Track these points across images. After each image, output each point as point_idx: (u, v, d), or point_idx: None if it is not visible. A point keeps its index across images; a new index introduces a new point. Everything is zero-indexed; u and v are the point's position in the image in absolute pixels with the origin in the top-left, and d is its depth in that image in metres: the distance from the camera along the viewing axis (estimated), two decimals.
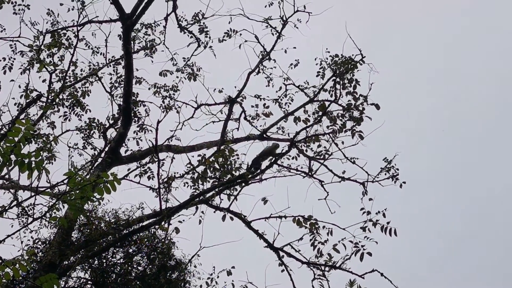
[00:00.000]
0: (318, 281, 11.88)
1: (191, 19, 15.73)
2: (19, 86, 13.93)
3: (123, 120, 13.62)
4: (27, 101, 13.62)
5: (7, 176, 13.82)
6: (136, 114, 15.37)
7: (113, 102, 15.52)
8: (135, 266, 12.58)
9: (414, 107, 29.02)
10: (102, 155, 14.37)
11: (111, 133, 14.98)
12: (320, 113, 12.82)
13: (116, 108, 15.42)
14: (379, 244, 11.30)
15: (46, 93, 14.31)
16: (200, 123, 15.05)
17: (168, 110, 15.61)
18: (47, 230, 13.30)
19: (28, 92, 14.03)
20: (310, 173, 12.82)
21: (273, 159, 12.46)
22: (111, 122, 15.26)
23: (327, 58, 13.65)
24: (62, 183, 7.85)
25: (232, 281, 12.38)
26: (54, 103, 14.83)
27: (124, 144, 14.33)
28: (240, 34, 15.26)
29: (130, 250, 12.65)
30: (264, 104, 15.05)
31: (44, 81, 14.51)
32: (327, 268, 11.79)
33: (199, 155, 12.25)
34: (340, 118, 12.76)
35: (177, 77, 16.08)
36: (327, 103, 13.13)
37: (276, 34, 15.26)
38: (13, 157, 6.00)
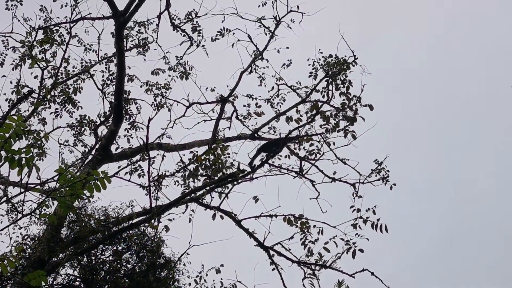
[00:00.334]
0: (309, 280, 11.92)
1: (184, 18, 15.72)
2: (11, 82, 13.88)
3: (114, 118, 13.60)
4: (18, 97, 13.60)
5: None
6: (127, 111, 15.35)
7: (104, 99, 15.54)
8: (124, 263, 12.56)
9: (407, 107, 29.13)
10: (93, 152, 14.34)
11: (102, 130, 14.99)
12: (313, 113, 12.85)
13: (107, 105, 15.45)
14: (370, 244, 11.35)
15: (38, 89, 14.28)
16: (192, 122, 14.99)
17: (159, 108, 15.61)
18: (36, 226, 13.26)
19: (20, 88, 13.99)
20: (301, 173, 12.84)
21: (264, 159, 12.44)
22: (102, 119, 15.25)
23: (319, 59, 13.69)
24: (52, 180, 7.85)
25: (221, 279, 12.43)
26: (45, 99, 14.80)
27: (115, 142, 14.30)
28: (233, 34, 15.26)
29: (119, 248, 12.62)
30: (257, 103, 15.05)
31: (36, 77, 14.48)
32: (317, 267, 11.84)
33: (191, 152, 12.27)
34: (334, 117, 12.80)
35: (169, 75, 16.10)
36: (319, 104, 13.17)
37: (269, 34, 15.27)
38: (3, 153, 6.00)
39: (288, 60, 14.94)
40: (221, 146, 11.78)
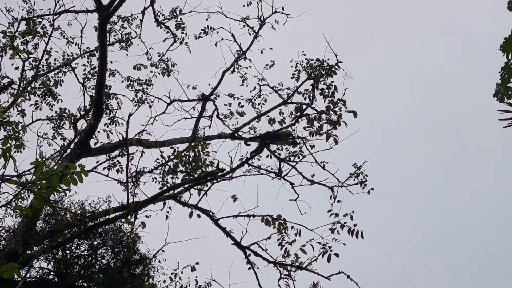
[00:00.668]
0: (284, 281, 11.94)
1: (168, 14, 15.71)
2: None
3: (94, 112, 13.55)
4: None
5: None
6: (107, 106, 15.30)
7: (85, 93, 15.47)
8: (99, 259, 12.49)
9: (391, 110, 29.28)
10: (72, 146, 14.25)
11: (82, 124, 14.91)
12: (297, 115, 12.90)
13: (88, 99, 15.39)
14: (347, 247, 11.40)
15: (18, 81, 14.19)
16: (172, 119, 14.97)
17: (140, 104, 15.58)
18: (12, 218, 13.17)
19: (0, 78, 13.91)
20: (279, 175, 12.86)
21: (250, 157, 12.41)
22: (82, 113, 15.19)
23: (302, 61, 13.75)
24: (28, 172, 7.79)
25: (196, 277, 12.41)
26: (25, 91, 14.71)
27: (94, 136, 14.24)
28: (217, 32, 15.24)
29: (95, 243, 12.55)
30: (239, 103, 15.04)
31: (16, 68, 14.40)
32: (293, 268, 11.86)
33: (171, 148, 12.25)
34: (318, 120, 12.86)
35: (151, 71, 16.07)
36: (303, 106, 13.23)
37: (253, 34, 15.27)
38: None
39: (271, 61, 14.95)
40: (202, 143, 11.76)
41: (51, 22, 14.94)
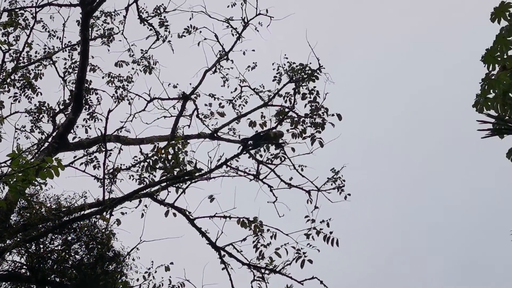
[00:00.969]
0: (257, 283, 11.94)
1: (152, 12, 15.68)
2: None
3: (73, 107, 13.47)
4: None
5: None
6: (87, 101, 15.23)
7: (65, 87, 15.41)
8: (72, 254, 12.40)
9: (374, 116, 29.42)
10: (49, 140, 14.18)
11: (61, 118, 14.85)
12: (280, 118, 12.94)
13: (68, 93, 15.32)
14: (321, 252, 11.43)
15: None
16: (152, 117, 14.96)
17: (120, 101, 15.54)
18: None
19: None
20: (257, 177, 12.87)
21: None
22: (61, 107, 15.12)
23: (284, 64, 13.79)
24: (4, 164, 7.74)
25: (170, 277, 12.37)
26: (5, 83, 14.60)
27: (72, 131, 14.18)
28: (200, 32, 15.24)
29: (69, 238, 12.46)
30: (220, 103, 15.05)
31: None
32: (267, 271, 11.87)
33: (152, 144, 12.21)
34: (301, 123, 12.90)
35: (133, 68, 16.05)
36: (283, 109, 13.27)
37: (236, 35, 15.28)
38: None
39: (254, 63, 14.98)
40: (182, 142, 11.74)
41: (34, 15, 14.86)
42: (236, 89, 15.12)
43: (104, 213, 11.51)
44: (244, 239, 11.96)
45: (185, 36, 15.39)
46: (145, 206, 11.86)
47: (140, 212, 11.83)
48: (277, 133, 13.00)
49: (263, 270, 11.90)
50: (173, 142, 11.67)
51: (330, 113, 12.90)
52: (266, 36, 15.13)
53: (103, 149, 12.94)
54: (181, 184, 11.83)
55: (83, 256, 12.46)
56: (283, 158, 13.02)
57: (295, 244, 11.55)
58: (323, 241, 11.62)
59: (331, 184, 13.08)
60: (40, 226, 11.72)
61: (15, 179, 6.63)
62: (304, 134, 12.92)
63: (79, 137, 14.58)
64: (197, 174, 11.63)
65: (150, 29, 15.79)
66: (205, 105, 15.02)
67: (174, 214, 11.96)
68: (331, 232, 11.62)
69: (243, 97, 15.11)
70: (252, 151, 13.17)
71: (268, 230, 11.97)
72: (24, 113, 15.08)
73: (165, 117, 15.03)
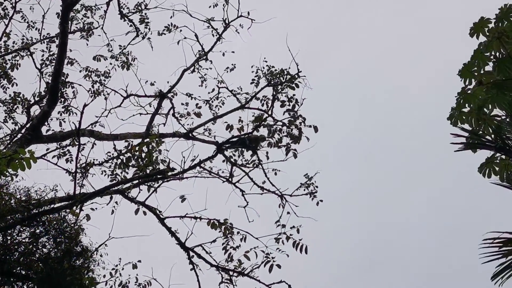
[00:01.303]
0: (225, 285, 11.95)
1: (133, 8, 15.65)
2: None
3: (49, 99, 13.37)
4: None
5: None
6: (63, 94, 15.14)
7: (41, 79, 15.31)
8: (40, 247, 12.30)
9: (349, 123, 29.55)
10: (23, 131, 14.07)
11: (35, 110, 14.76)
12: (257, 124, 12.97)
13: (44, 85, 15.23)
14: (290, 256, 11.46)
15: None
16: (127, 113, 14.88)
17: (96, 96, 15.45)
18: None
19: None
20: (230, 179, 12.88)
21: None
22: (36, 99, 15.02)
23: (263, 67, 13.82)
24: None
25: (137, 275, 12.33)
26: None
27: (46, 123, 14.09)
28: (181, 30, 15.24)
29: (37, 231, 12.34)
30: (197, 104, 15.03)
31: None
32: (235, 274, 11.87)
33: (126, 141, 12.17)
34: (278, 132, 12.94)
35: (111, 63, 16.02)
36: (261, 115, 13.31)
37: (216, 35, 15.28)
38: None
39: (232, 64, 15.01)
40: (156, 140, 11.70)
41: (13, 4, 14.77)
42: (213, 89, 15.15)
43: (74, 208, 11.45)
44: (214, 241, 11.96)
45: (165, 34, 15.38)
46: (116, 202, 11.86)
47: (111, 209, 11.81)
48: (260, 137, 13.04)
49: (231, 273, 11.92)
50: (148, 140, 11.63)
51: (307, 124, 12.97)
52: (246, 38, 15.18)
53: (77, 143, 12.87)
54: (153, 182, 11.81)
55: (51, 249, 12.36)
56: (257, 163, 13.05)
57: (265, 248, 11.58)
58: (292, 247, 11.66)
59: (304, 190, 13.14)
60: (9, 217, 11.63)
61: None
62: (279, 144, 12.99)
63: (53, 130, 14.51)
64: (170, 173, 11.62)
65: (130, 25, 15.78)
66: (182, 104, 15.01)
67: (145, 213, 11.93)
68: (300, 239, 11.66)
69: (220, 98, 15.14)
70: (227, 153, 13.19)
71: (238, 232, 11.98)
72: None
73: (141, 114, 14.98)
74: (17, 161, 6.44)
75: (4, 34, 14.75)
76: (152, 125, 14.80)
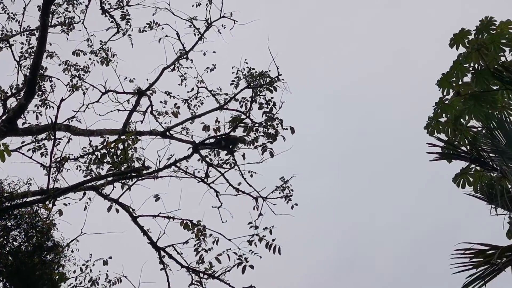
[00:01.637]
0: (195, 287, 11.94)
1: (115, 4, 15.59)
2: None
3: (26, 92, 13.27)
4: None
5: None
6: (40, 88, 15.03)
7: (19, 71, 15.19)
8: (11, 240, 12.23)
9: (328, 127, 29.61)
10: None
11: (12, 102, 14.62)
12: (235, 124, 12.99)
13: (21, 78, 15.10)
14: (263, 259, 11.48)
15: None
16: (105, 109, 14.81)
17: (74, 90, 15.33)
18: None
19: None
20: (206, 179, 12.89)
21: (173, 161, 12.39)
22: (13, 91, 14.88)
23: (244, 69, 13.82)
24: None
25: (107, 271, 12.31)
26: None
27: (22, 116, 13.97)
28: (162, 28, 15.21)
29: (9, 224, 12.28)
30: (176, 104, 15.00)
31: None
32: (205, 276, 11.87)
33: (101, 137, 12.12)
34: (255, 132, 12.95)
35: (90, 59, 15.91)
36: (239, 116, 13.32)
37: (198, 35, 15.26)
38: None
39: (213, 65, 14.99)
40: (132, 138, 11.67)
41: None
42: (193, 89, 15.14)
43: (47, 202, 11.39)
44: (186, 242, 11.96)
45: (146, 31, 15.35)
46: (89, 199, 11.83)
47: (84, 205, 11.75)
48: (239, 138, 13.06)
49: (201, 275, 11.92)
50: (124, 137, 11.60)
51: (284, 126, 13.01)
52: (228, 39, 15.18)
53: (52, 137, 12.83)
54: (128, 180, 11.79)
55: (21, 243, 12.30)
56: (232, 164, 13.07)
57: (237, 250, 11.58)
58: (265, 248, 11.67)
59: (279, 193, 13.17)
60: None
61: None
62: (256, 143, 13.00)
63: (29, 123, 14.39)
64: (144, 171, 11.60)
65: (111, 21, 15.71)
66: (161, 102, 14.96)
67: (117, 210, 11.91)
68: (273, 240, 11.68)
69: (199, 98, 15.13)
70: (203, 153, 13.19)
71: (210, 235, 11.98)
72: None
73: (118, 110, 14.93)
74: None
75: None
76: (129, 122, 14.75)
